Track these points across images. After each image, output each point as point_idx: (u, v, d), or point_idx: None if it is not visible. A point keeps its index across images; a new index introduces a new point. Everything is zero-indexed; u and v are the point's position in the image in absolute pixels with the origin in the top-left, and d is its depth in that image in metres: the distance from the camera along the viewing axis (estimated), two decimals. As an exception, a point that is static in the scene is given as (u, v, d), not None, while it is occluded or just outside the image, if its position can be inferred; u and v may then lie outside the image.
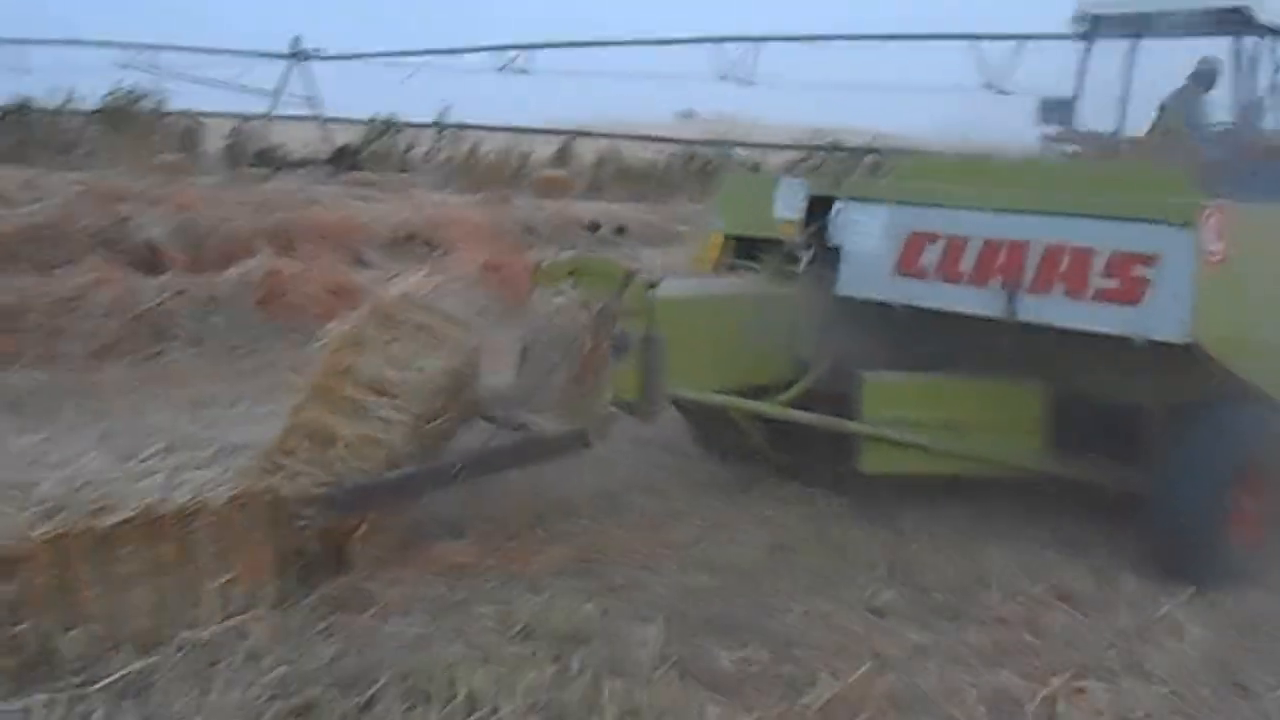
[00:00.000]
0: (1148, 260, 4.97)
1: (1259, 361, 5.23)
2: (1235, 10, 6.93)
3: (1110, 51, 7.73)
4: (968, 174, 6.13)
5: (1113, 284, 5.04)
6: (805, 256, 6.00)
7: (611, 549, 5.15)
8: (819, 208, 6.04)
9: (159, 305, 9.17)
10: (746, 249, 6.35)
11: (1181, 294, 4.89)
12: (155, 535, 3.91)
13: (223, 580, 4.07)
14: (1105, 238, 5.11)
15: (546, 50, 36.35)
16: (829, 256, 5.94)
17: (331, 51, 32.49)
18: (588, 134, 34.54)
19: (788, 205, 6.13)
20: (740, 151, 32.43)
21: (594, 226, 4.99)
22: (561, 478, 5.50)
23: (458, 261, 11.90)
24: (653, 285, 5.15)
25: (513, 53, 35.95)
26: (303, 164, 26.42)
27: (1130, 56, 7.84)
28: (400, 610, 4.30)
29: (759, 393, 5.74)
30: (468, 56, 37.06)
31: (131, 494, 3.97)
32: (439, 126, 31.11)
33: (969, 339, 5.56)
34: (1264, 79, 7.22)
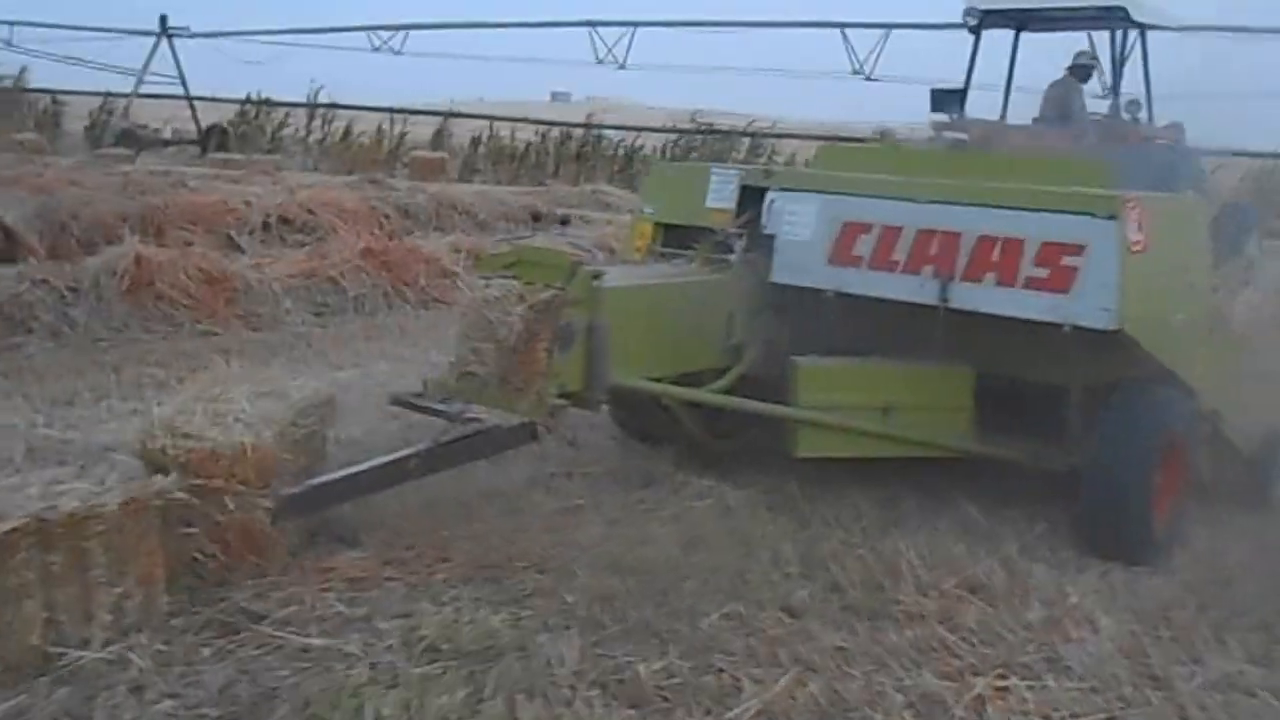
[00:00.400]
0: (1076, 250, 5.13)
1: (1173, 345, 5.47)
2: (1114, 7, 7.20)
3: (997, 43, 8.02)
4: (894, 164, 6.32)
5: (1042, 273, 5.19)
6: (739, 245, 6.03)
7: (516, 554, 4.93)
8: (751, 197, 6.11)
9: (15, 295, 8.58)
10: (676, 237, 6.36)
11: (1108, 282, 5.06)
12: (45, 545, 3.60)
13: (116, 594, 3.78)
14: (1035, 228, 5.25)
15: (422, 31, 35.64)
16: (762, 245, 5.99)
17: (200, 29, 31.24)
18: (463, 115, 33.98)
19: (720, 195, 6.19)
20: (612, 134, 32.30)
21: (535, 216, 4.99)
22: (455, 479, 5.29)
23: (335, 247, 11.45)
24: (598, 275, 5.10)
25: (386, 33, 35.12)
26: (169, 144, 25.40)
27: (1014, 48, 8.13)
28: (296, 630, 4.01)
29: (695, 379, 5.75)
30: (341, 36, 36.17)
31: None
32: (310, 106, 30.22)
33: (898, 324, 5.69)
34: (1139, 72, 7.60)
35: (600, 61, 33.57)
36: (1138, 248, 5.18)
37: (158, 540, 3.94)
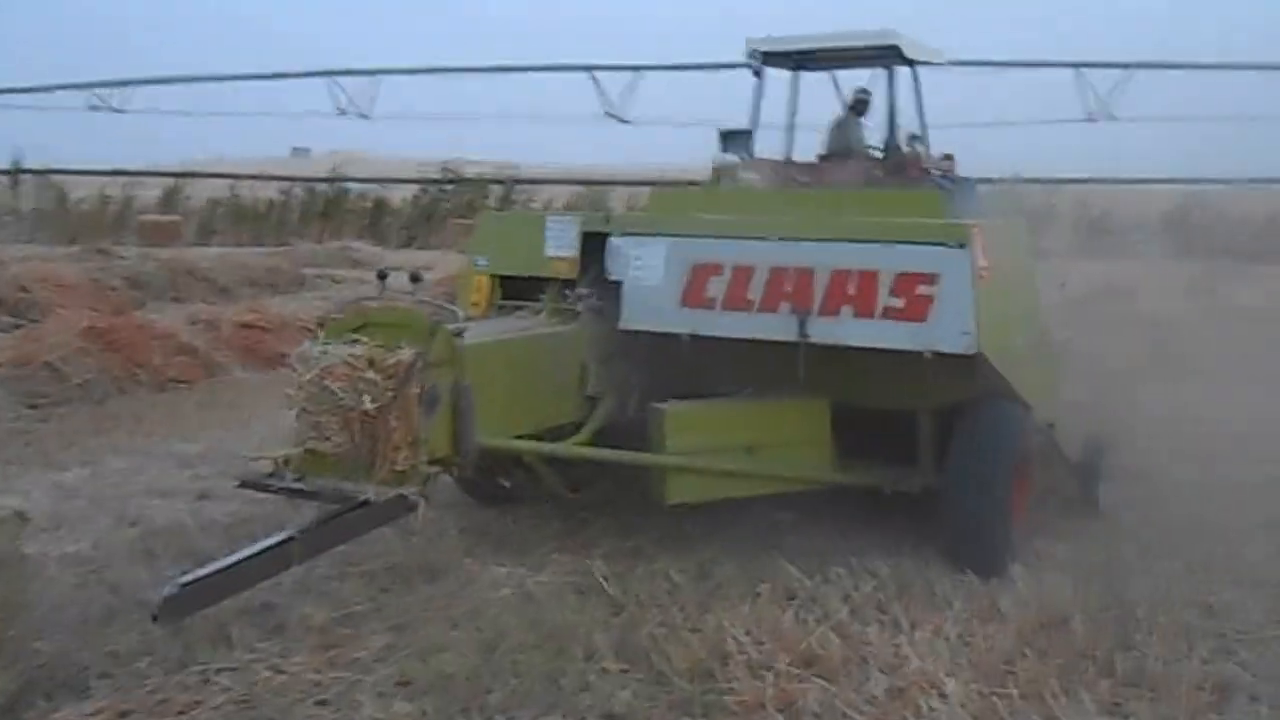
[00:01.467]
0: (930, 279, 5.23)
1: (1016, 364, 5.62)
2: (887, 46, 7.40)
3: (779, 84, 8.11)
4: (732, 205, 6.49)
5: (899, 303, 5.27)
6: (583, 294, 5.90)
7: (282, 686, 4.17)
8: (592, 244, 5.96)
9: None
10: (514, 288, 6.16)
11: (964, 308, 5.19)
12: None
13: None
14: (889, 260, 5.33)
15: (148, 87, 33.54)
16: (608, 292, 5.87)
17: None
18: (195, 175, 32.13)
19: (560, 243, 6.02)
20: (358, 187, 31.22)
21: (382, 275, 4.72)
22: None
23: (53, 327, 10.16)
24: (459, 333, 4.88)
25: (105, 91, 32.87)
26: None
27: (795, 88, 8.20)
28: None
29: (553, 435, 5.62)
30: (55, 94, 33.62)
31: None
32: (16, 172, 27.84)
33: (750, 362, 5.74)
34: (913, 105, 7.80)
35: (342, 113, 32.41)
36: (984, 273, 5.30)
37: None
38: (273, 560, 4.51)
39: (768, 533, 6.03)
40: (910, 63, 7.64)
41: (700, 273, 5.68)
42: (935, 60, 7.98)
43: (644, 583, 5.24)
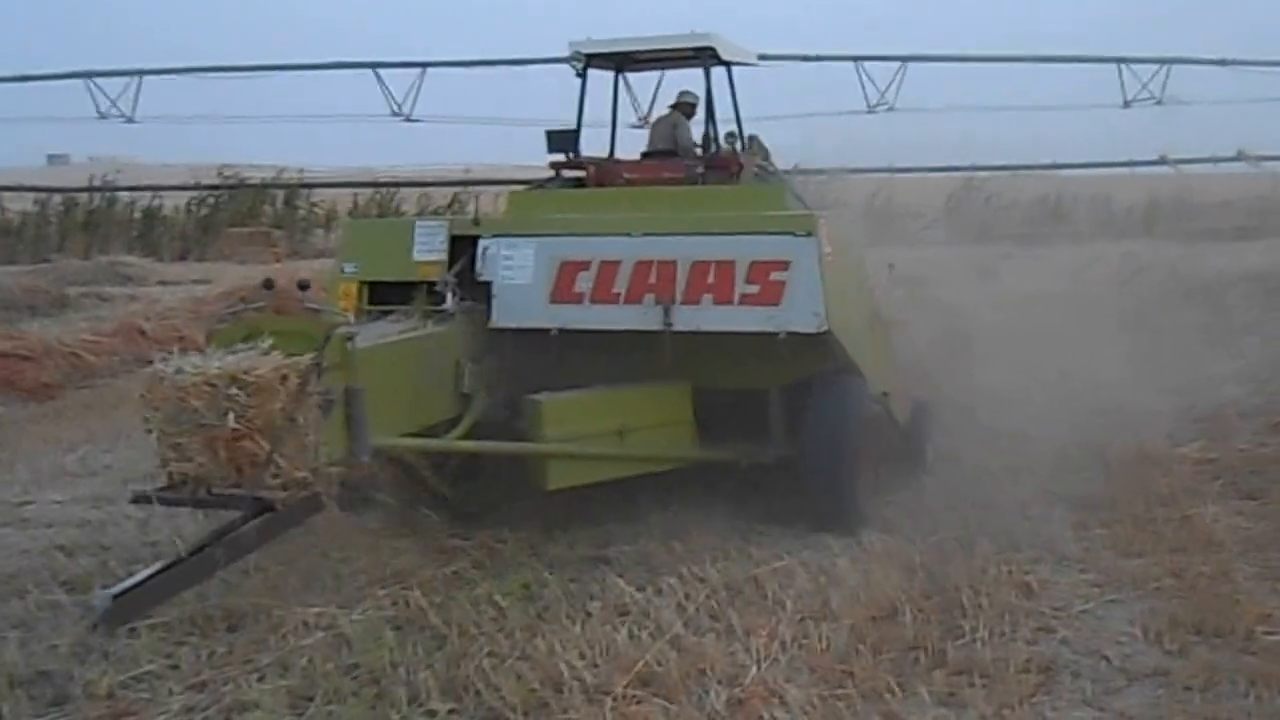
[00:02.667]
0: (782, 266, 5.69)
1: (857, 340, 6.11)
2: (704, 48, 7.67)
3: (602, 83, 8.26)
4: (589, 204, 7.01)
5: (754, 289, 5.72)
6: (453, 295, 6.03)
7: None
8: (460, 247, 6.17)
9: None
10: (381, 294, 6.25)
11: (813, 291, 5.66)
12: None
13: None
14: (744, 251, 5.79)
15: None
16: (478, 292, 6.10)
17: None
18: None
19: (428, 246, 6.19)
20: (126, 196, 29.34)
21: (269, 284, 4.97)
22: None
23: None
24: (350, 338, 4.99)
25: None
26: None
27: (616, 88, 8.39)
28: None
29: (430, 434, 5.75)
30: None
31: None
32: None
33: (615, 352, 6.04)
34: (730, 105, 8.03)
35: (103, 116, 30.38)
36: (829, 259, 5.76)
37: None
38: (199, 565, 4.73)
39: (593, 545, 5.86)
40: (726, 63, 7.87)
41: (568, 269, 5.98)
42: (749, 61, 8.27)
43: (467, 611, 4.95)
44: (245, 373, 4.55)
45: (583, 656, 4.47)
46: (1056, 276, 15.33)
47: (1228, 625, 4.70)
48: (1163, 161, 28.90)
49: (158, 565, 4.73)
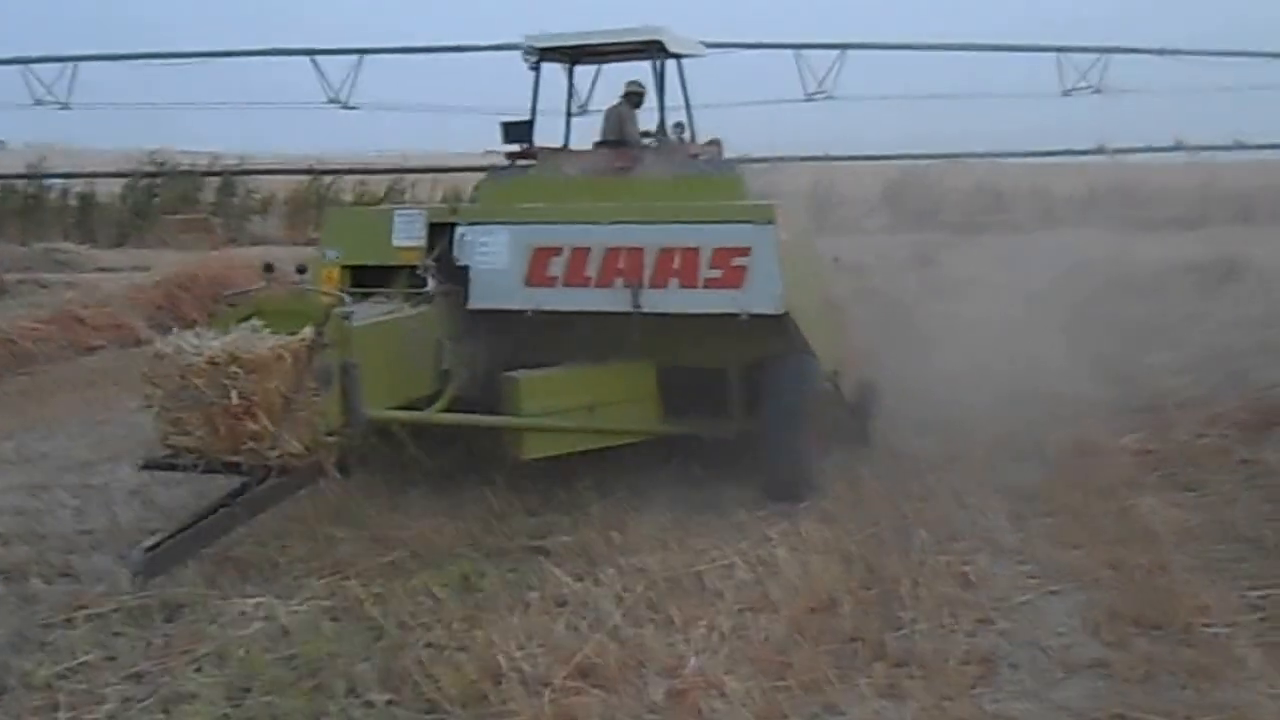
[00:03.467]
0: (743, 252, 6.08)
1: (810, 323, 6.46)
2: (652, 41, 7.81)
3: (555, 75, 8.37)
4: (555, 192, 7.27)
5: (717, 274, 6.11)
6: (432, 279, 6.37)
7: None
8: (438, 233, 6.55)
9: None
10: (360, 278, 6.55)
11: (773, 275, 6.07)
12: None
13: None
14: (707, 238, 6.16)
15: None
16: (456, 276, 6.46)
17: None
18: None
19: (407, 233, 6.55)
20: (61, 183, 28.69)
21: (269, 267, 5.45)
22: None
23: None
24: (347, 316, 5.34)
25: None
26: None
27: (571, 81, 8.46)
28: None
29: (410, 407, 6.05)
30: None
31: None
32: None
33: (584, 333, 6.43)
34: (679, 96, 8.14)
35: (39, 102, 29.68)
36: (786, 245, 6.18)
37: None
38: (222, 520, 5.14)
39: (532, 535, 5.85)
40: (674, 55, 8.01)
41: (541, 254, 6.34)
42: (696, 53, 8.39)
43: (404, 601, 4.92)
44: (245, 352, 4.87)
45: (521, 647, 4.46)
46: (996, 265, 15.45)
47: (1166, 617, 4.72)
48: (1100, 151, 29.15)
49: (186, 520, 5.11)
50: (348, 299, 5.60)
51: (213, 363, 4.86)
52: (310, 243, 18.28)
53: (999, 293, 12.81)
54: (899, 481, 6.76)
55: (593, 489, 6.47)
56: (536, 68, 8.10)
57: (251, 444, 4.90)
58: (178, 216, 26.35)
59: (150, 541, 4.94)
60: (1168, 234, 20.25)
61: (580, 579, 5.17)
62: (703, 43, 8.78)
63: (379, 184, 27.61)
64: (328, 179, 27.96)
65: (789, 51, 28.32)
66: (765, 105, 27.37)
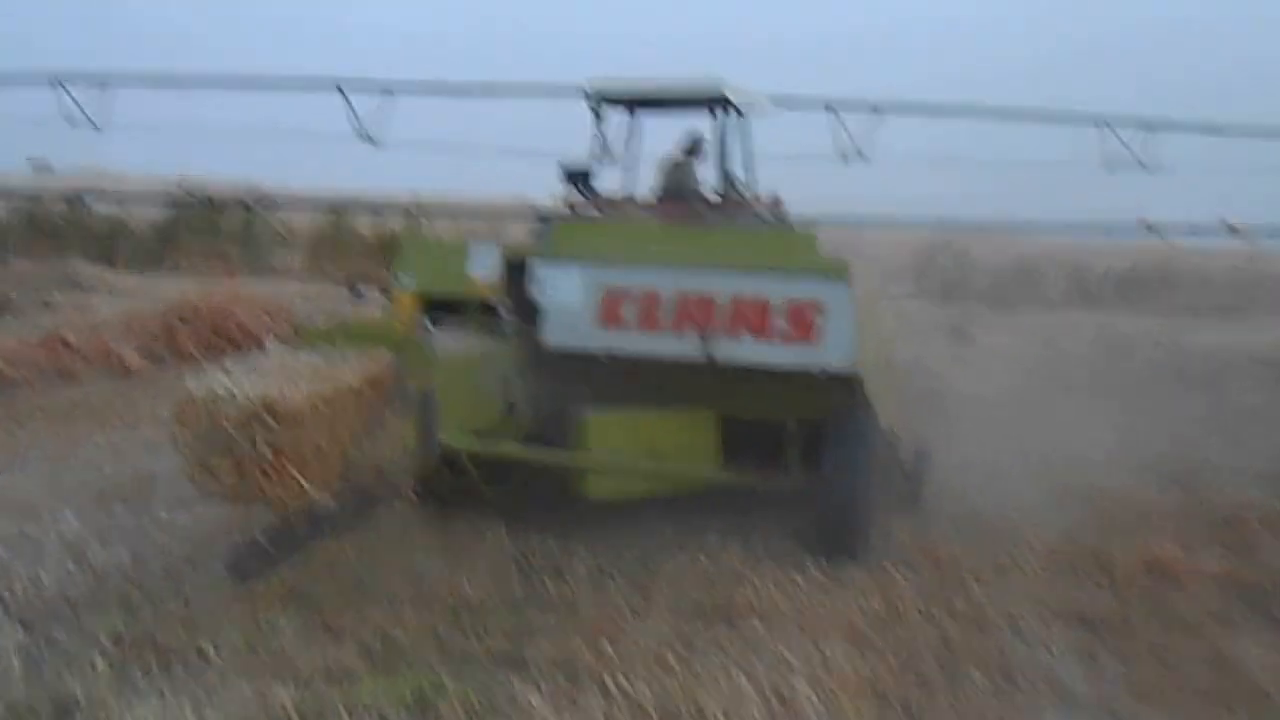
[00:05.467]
0: (818, 308, 5.97)
1: (875, 381, 6.35)
2: (715, 93, 7.65)
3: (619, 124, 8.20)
4: (630, 238, 7.07)
5: (791, 327, 6.02)
6: (504, 313, 6.40)
7: None
8: (511, 268, 6.48)
9: None
10: (433, 307, 6.47)
11: (847, 332, 5.96)
12: None
13: None
14: (782, 290, 6.06)
15: None
16: (526, 313, 6.43)
17: None
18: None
19: (482, 265, 6.50)
20: (100, 207, 28.26)
21: (351, 286, 5.53)
22: None
23: None
24: (430, 346, 5.46)
25: None
26: None
27: (632, 129, 8.27)
28: None
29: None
30: None
31: None
32: None
33: (651, 377, 6.35)
34: (740, 148, 7.95)
35: (73, 125, 29.25)
36: (860, 302, 6.03)
37: None
38: (313, 532, 5.13)
39: (508, 638, 4.97)
40: (738, 110, 7.81)
41: (613, 296, 6.30)
42: (761, 106, 8.19)
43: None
44: (279, 400, 4.62)
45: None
46: (1031, 343, 14.55)
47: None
48: (1145, 228, 28.03)
49: (279, 528, 5.08)
50: (430, 327, 5.70)
51: (243, 410, 4.58)
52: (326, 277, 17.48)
53: (1039, 374, 11.91)
54: (940, 593, 5.82)
55: (586, 580, 5.64)
56: (598, 112, 7.89)
57: (280, 494, 4.69)
58: (198, 245, 25.83)
59: (256, 538, 5.02)
60: (1213, 321, 19.21)
61: (558, 709, 4.26)
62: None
63: (394, 220, 26.99)
64: (350, 215, 27.40)
65: (823, 110, 27.51)
66: (797, 161, 26.51)
